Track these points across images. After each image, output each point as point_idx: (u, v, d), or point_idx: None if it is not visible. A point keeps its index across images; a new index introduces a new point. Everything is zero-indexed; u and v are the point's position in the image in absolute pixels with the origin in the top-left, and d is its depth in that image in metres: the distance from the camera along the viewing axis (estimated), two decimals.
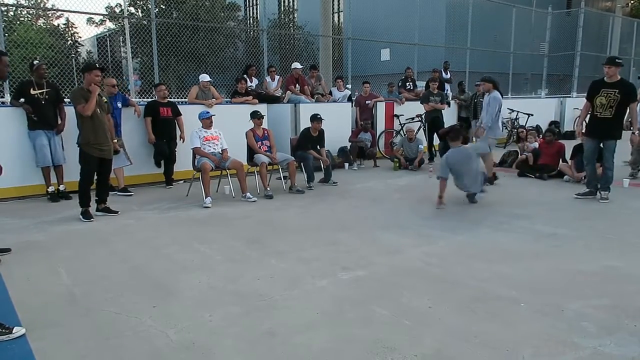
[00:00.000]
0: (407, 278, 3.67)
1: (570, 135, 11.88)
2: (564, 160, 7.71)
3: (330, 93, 10.51)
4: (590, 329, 2.83)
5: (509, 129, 12.65)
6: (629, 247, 4.37)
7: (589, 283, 3.54)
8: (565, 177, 7.48)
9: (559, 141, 8.00)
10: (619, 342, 2.68)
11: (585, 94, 6.25)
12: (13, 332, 2.77)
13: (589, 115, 6.23)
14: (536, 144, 8.32)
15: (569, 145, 7.81)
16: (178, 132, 7.51)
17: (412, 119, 10.50)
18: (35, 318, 3.02)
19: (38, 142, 6.34)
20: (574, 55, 15.87)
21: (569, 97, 15.18)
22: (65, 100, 6.63)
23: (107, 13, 19.96)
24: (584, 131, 6.51)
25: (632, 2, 28.07)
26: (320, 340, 2.75)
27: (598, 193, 6.20)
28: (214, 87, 8.46)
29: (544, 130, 11.81)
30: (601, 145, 6.21)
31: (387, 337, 2.75)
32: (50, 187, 6.48)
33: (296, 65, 9.62)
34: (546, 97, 15.48)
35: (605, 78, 5.98)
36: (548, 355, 2.56)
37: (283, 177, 7.33)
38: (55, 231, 5.05)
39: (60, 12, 17.89)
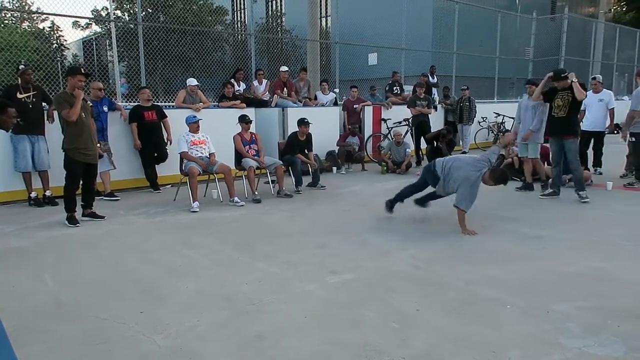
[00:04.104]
0: (395, 281, 3.69)
1: None
2: (549, 164, 7.79)
3: (316, 97, 10.53)
4: (575, 329, 2.87)
5: (494, 132, 12.81)
6: (613, 249, 4.44)
7: (574, 284, 3.59)
8: (550, 180, 7.56)
9: (544, 144, 8.08)
10: (603, 342, 2.72)
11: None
12: None
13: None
14: None
15: None
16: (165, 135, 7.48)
17: (400, 123, 10.58)
18: (21, 324, 2.98)
19: (20, 146, 6.25)
20: (558, 60, 16.10)
21: None
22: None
23: (93, 16, 19.82)
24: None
25: (614, 8, 28.61)
26: (309, 343, 2.75)
27: (576, 194, 6.39)
28: (201, 91, 8.44)
29: None
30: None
31: (375, 340, 2.76)
32: (32, 193, 6.39)
33: (284, 68, 9.63)
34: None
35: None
36: (534, 356, 2.59)
37: (271, 181, 7.32)
38: (40, 237, 4.98)
39: (45, 15, 17.70)
